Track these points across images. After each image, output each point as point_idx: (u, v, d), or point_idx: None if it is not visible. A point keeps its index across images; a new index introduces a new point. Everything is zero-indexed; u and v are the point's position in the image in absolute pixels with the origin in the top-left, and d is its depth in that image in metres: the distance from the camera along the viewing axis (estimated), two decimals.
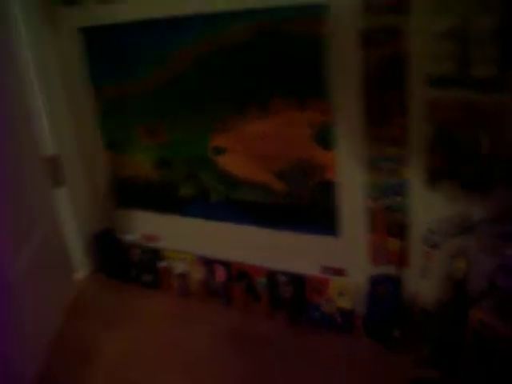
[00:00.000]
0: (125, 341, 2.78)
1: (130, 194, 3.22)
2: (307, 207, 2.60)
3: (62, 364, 2.67)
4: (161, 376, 2.50)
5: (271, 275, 2.79)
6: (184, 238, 3.10)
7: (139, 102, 2.91)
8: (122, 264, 3.33)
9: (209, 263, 2.99)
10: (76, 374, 2.58)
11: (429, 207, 2.28)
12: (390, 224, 2.43)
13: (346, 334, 2.63)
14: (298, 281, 2.73)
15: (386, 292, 2.48)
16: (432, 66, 2.06)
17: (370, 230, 2.49)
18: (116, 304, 3.13)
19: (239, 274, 2.88)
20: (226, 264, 2.94)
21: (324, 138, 2.42)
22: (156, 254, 3.19)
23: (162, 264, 3.12)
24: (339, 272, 2.66)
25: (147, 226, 3.26)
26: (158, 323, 2.89)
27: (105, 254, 3.39)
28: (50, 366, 2.64)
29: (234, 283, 2.90)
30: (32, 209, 2.81)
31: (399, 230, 2.41)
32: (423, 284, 2.31)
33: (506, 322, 1.86)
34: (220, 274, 2.91)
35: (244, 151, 2.66)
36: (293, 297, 2.71)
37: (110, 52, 2.89)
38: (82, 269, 3.43)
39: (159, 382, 2.47)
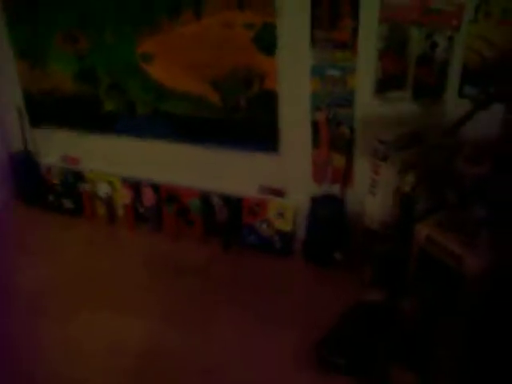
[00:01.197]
0: (42, 274, 2.51)
1: (47, 111, 2.87)
2: (245, 121, 2.37)
3: None
4: (80, 307, 2.27)
5: (205, 197, 2.57)
6: (108, 159, 2.82)
7: (56, 5, 2.55)
8: (40, 189, 3.02)
9: (136, 186, 2.73)
10: None
11: (377, 119, 2.10)
12: (334, 138, 2.25)
13: (285, 257, 2.48)
14: (234, 203, 2.52)
15: (327, 213, 2.32)
16: None
17: (313, 145, 2.29)
18: (34, 233, 2.84)
19: (169, 197, 2.64)
20: (155, 186, 2.69)
21: (265, 42, 2.18)
22: (78, 177, 2.90)
23: (84, 187, 2.83)
24: (279, 192, 2.47)
25: (67, 147, 2.95)
26: (80, 253, 2.65)
27: (20, 179, 3.06)
28: None
29: (164, 207, 2.66)
30: None
31: (345, 144, 2.24)
32: (369, 201, 2.15)
33: (452, 237, 1.73)
34: (148, 198, 2.67)
35: (175, 58, 2.38)
36: (228, 220, 2.50)
37: None
38: None
39: (77, 316, 2.23)
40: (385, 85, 2.05)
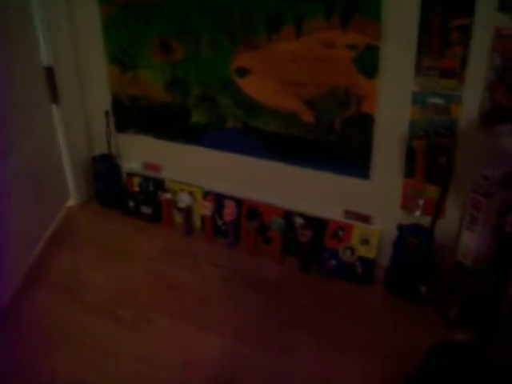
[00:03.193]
0: (115, 275, 2.52)
1: (133, 116, 2.89)
2: (337, 143, 2.31)
3: (40, 296, 2.41)
4: (153, 317, 2.25)
5: (288, 216, 2.52)
6: (192, 170, 2.82)
7: (152, 12, 2.56)
8: (120, 193, 3.05)
9: (218, 199, 2.71)
10: (57, 307, 2.33)
11: (481, 153, 2.01)
12: (430, 168, 2.16)
13: (366, 285, 2.39)
14: (317, 225, 2.46)
15: (415, 243, 2.23)
16: None
17: (406, 173, 2.22)
18: (109, 236, 2.86)
19: (251, 213, 2.61)
20: (238, 200, 2.65)
21: (367, 64, 2.12)
22: (159, 185, 2.90)
23: (165, 196, 2.83)
24: (365, 218, 2.41)
25: (151, 154, 2.96)
26: (155, 260, 2.63)
27: (102, 181, 3.09)
28: (26, 296, 2.39)
29: (244, 222, 2.62)
30: (27, 118, 2.56)
31: (441, 175, 2.14)
32: (465, 236, 2.05)
33: None
34: (230, 212, 2.63)
35: (271, 74, 2.35)
36: (310, 242, 2.44)
37: None
38: (75, 195, 3.14)
39: (150, 323, 2.22)
40: (493, 117, 1.95)
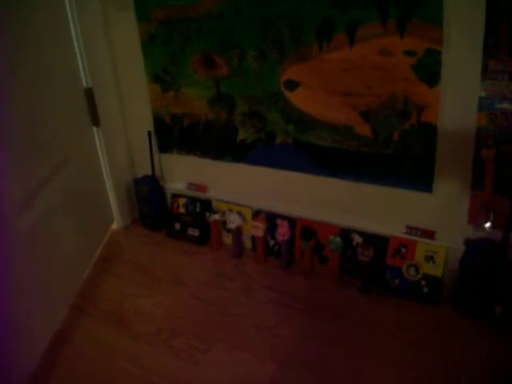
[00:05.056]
0: (166, 304, 2.41)
1: (176, 136, 2.80)
2: (397, 155, 2.17)
3: (90, 327, 2.31)
4: (208, 347, 2.13)
5: (345, 234, 2.39)
6: (240, 189, 2.70)
7: (194, 27, 2.45)
8: (165, 216, 2.95)
9: (270, 218, 2.58)
10: (106, 338, 2.23)
11: None
12: (500, 179, 2.01)
13: (433, 305, 2.23)
14: (378, 242, 2.32)
15: (485, 259, 2.08)
16: None
17: (473, 185, 2.06)
18: (156, 260, 2.76)
19: (306, 232, 2.48)
20: (291, 219, 2.52)
21: (428, 71, 1.98)
22: (206, 206, 2.80)
23: (213, 217, 2.71)
24: (429, 234, 2.26)
25: (196, 174, 2.86)
26: (206, 285, 2.51)
27: (146, 203, 3.00)
28: (73, 330, 2.30)
29: (299, 243, 2.50)
30: (67, 142, 2.50)
31: (510, 186, 1.99)
32: None
33: None
34: (283, 232, 2.51)
35: (323, 86, 2.22)
36: (370, 261, 2.30)
37: None
38: (119, 218, 3.05)
39: (205, 354, 2.10)
40: None
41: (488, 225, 2.10)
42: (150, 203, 3.00)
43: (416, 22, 1.93)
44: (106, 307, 2.43)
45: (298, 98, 2.31)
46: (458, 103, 1.98)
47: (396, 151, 2.17)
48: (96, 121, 2.78)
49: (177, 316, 2.32)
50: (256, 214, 2.63)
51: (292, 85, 2.29)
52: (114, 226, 3.08)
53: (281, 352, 2.07)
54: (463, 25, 1.86)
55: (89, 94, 2.70)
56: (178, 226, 2.89)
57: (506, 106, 1.90)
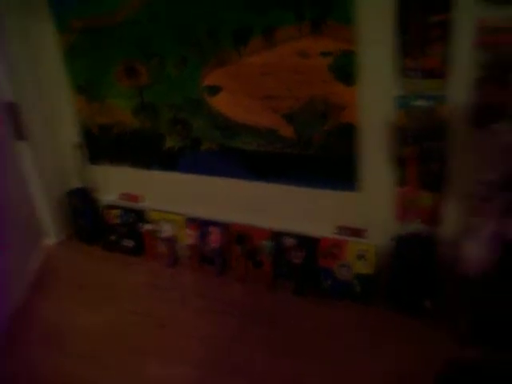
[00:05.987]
0: (102, 319, 2.36)
1: (105, 146, 2.74)
2: (321, 156, 2.18)
3: (25, 348, 2.25)
4: (143, 360, 2.10)
5: (276, 238, 2.37)
6: (171, 197, 2.67)
7: (114, 36, 2.42)
8: (99, 227, 2.89)
9: (201, 225, 2.56)
10: (43, 357, 2.17)
11: (474, 155, 1.87)
12: (423, 175, 2.02)
13: (366, 304, 2.25)
14: (309, 244, 2.31)
15: (415, 254, 2.09)
16: None
17: (398, 182, 2.08)
18: (92, 274, 2.71)
19: (238, 238, 2.46)
20: (222, 226, 2.51)
21: (344, 71, 1.98)
22: (139, 216, 2.75)
23: (146, 227, 2.68)
24: (358, 233, 2.27)
25: (127, 184, 2.81)
26: (142, 297, 2.48)
27: (79, 216, 2.93)
28: (10, 349, 2.23)
29: (232, 248, 2.48)
30: None
31: (434, 181, 2.01)
32: (466, 246, 1.92)
33: None
34: (215, 238, 2.49)
35: (244, 90, 2.21)
36: (302, 263, 2.30)
37: None
38: (53, 233, 2.98)
39: (140, 367, 2.07)
40: (484, 116, 1.81)
41: (412, 222, 2.11)
42: (84, 216, 2.94)
43: (330, 23, 1.94)
44: (42, 329, 2.36)
45: (221, 103, 2.29)
46: (375, 102, 1.99)
47: (318, 152, 2.17)
48: (21, 135, 2.69)
49: (112, 332, 2.28)
50: (188, 222, 2.59)
51: (213, 90, 2.28)
52: (49, 242, 3.00)
53: (215, 361, 2.05)
54: (375, 25, 1.88)
55: (12, 108, 2.62)
56: (113, 237, 2.83)
57: (422, 103, 1.92)
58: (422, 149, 1.99)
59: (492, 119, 1.79)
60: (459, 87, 1.82)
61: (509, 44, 1.70)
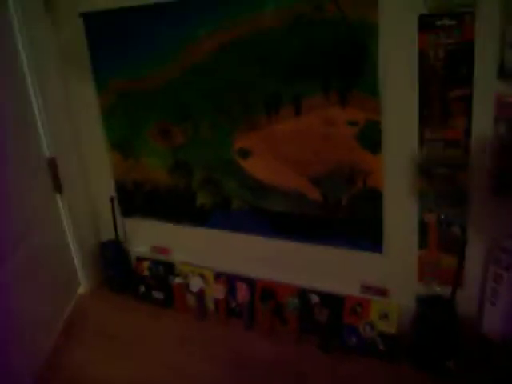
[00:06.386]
0: (131, 370, 2.44)
1: (139, 200, 2.87)
2: (347, 219, 2.26)
3: None
4: None
5: (303, 295, 2.46)
6: (201, 252, 2.78)
7: (150, 99, 2.57)
8: (130, 279, 3.00)
9: (230, 280, 2.66)
10: None
11: (495, 222, 1.95)
12: (444, 239, 2.10)
13: (389, 362, 2.29)
14: (334, 302, 2.39)
15: (437, 315, 2.15)
16: (505, 56, 1.75)
17: (420, 245, 2.16)
18: (122, 324, 2.79)
19: (265, 294, 2.54)
20: (250, 281, 2.60)
21: (370, 139, 2.09)
22: (169, 269, 2.86)
23: (176, 280, 2.78)
24: (382, 292, 2.34)
25: (159, 238, 2.93)
26: (171, 349, 2.55)
27: (111, 267, 3.05)
28: None
29: (259, 304, 2.56)
30: (31, 212, 2.54)
31: (455, 245, 2.08)
32: (488, 310, 1.99)
33: None
34: (243, 293, 2.58)
35: (273, 154, 2.32)
36: (327, 320, 2.37)
37: (118, 42, 2.55)
38: (85, 282, 3.10)
39: None
40: (502, 185, 1.90)
41: (435, 282, 2.18)
42: (116, 267, 3.05)
43: (356, 94, 2.05)
44: (71, 376, 2.44)
45: (251, 166, 2.41)
46: (399, 169, 2.09)
47: (345, 215, 2.26)
48: (59, 188, 2.83)
49: (141, 381, 2.35)
50: (217, 276, 2.69)
51: (244, 153, 2.39)
52: (81, 290, 3.10)
53: None
54: (399, 96, 1.99)
55: (51, 162, 2.76)
56: (142, 288, 2.93)
57: (443, 171, 2.01)
58: (442, 214, 2.07)
59: (510, 188, 1.88)
60: (479, 157, 1.91)
61: None
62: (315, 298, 2.44)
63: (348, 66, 2.03)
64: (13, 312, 2.26)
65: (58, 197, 2.88)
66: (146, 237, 2.97)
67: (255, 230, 2.52)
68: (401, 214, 2.15)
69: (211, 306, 2.76)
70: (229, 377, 2.33)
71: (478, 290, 2.09)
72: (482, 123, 1.88)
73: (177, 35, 2.36)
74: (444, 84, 1.89)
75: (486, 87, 1.83)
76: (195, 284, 2.71)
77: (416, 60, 1.90)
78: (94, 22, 2.60)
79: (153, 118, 2.61)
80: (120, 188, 2.92)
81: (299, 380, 2.26)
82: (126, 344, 2.63)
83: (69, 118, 2.88)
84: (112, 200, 2.94)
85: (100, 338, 2.70)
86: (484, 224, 2.00)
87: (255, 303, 2.60)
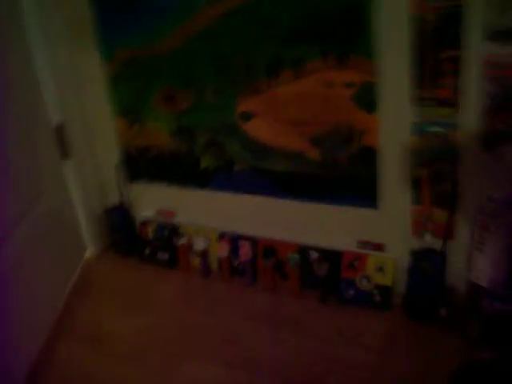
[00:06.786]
0: (141, 324, 2.58)
1: (144, 166, 2.99)
2: (344, 177, 2.39)
3: (68, 349, 2.48)
4: (185, 363, 2.31)
5: (303, 251, 2.59)
6: (205, 213, 2.90)
7: (156, 65, 2.67)
8: (136, 241, 3.13)
9: (233, 240, 2.78)
10: (85, 360, 2.41)
11: (485, 174, 2.08)
12: (437, 194, 2.23)
13: (385, 312, 2.44)
14: (333, 257, 2.53)
15: (430, 267, 2.29)
16: (493, 18, 1.86)
17: (414, 200, 2.29)
18: (129, 284, 2.93)
19: (267, 251, 2.68)
20: (252, 240, 2.73)
21: (366, 100, 2.21)
22: (174, 231, 2.98)
23: (181, 241, 2.90)
24: (378, 247, 2.47)
25: (163, 201, 3.05)
26: (177, 306, 2.69)
27: (117, 231, 3.18)
28: (54, 350, 2.47)
29: (261, 261, 2.69)
30: (38, 178, 2.64)
31: (447, 200, 2.21)
32: (476, 258, 2.12)
33: None
34: (245, 252, 2.71)
35: (275, 116, 2.44)
36: (327, 274, 2.51)
37: (122, 9, 2.64)
38: (92, 246, 3.22)
39: (179, 368, 2.28)
40: (493, 140, 2.02)
41: (428, 237, 2.31)
42: (121, 231, 3.16)
43: (354, 57, 2.17)
44: (84, 332, 2.59)
45: (253, 128, 2.52)
46: (394, 128, 2.21)
47: (343, 173, 2.39)
48: (66, 154, 2.94)
49: (149, 336, 2.49)
50: (221, 236, 2.82)
51: (247, 116, 2.50)
52: (88, 254, 3.23)
53: (248, 362, 2.25)
54: (394, 59, 2.10)
55: (59, 129, 2.87)
56: (148, 251, 3.05)
57: (436, 129, 2.13)
58: (434, 170, 2.20)
59: (500, 143, 2.01)
60: (470, 115, 2.03)
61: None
62: (314, 254, 2.57)
63: (345, 30, 2.14)
64: (23, 277, 2.36)
65: (64, 163, 2.97)
66: (152, 201, 3.09)
67: (257, 190, 2.65)
68: (395, 171, 2.27)
69: (215, 265, 2.89)
70: (232, 326, 2.48)
71: (468, 240, 2.21)
72: (472, 83, 1.99)
73: (181, 4, 2.45)
74: (435, 46, 2.00)
75: (475, 48, 1.93)
76: (199, 244, 2.84)
77: (408, 23, 2.00)
78: None
79: (158, 85, 2.71)
80: (126, 154, 3.02)
81: (299, 329, 2.40)
82: (133, 300, 2.77)
83: (76, 87, 2.96)
84: (117, 166, 3.05)
85: (109, 297, 2.84)
86: (474, 179, 2.12)
87: (257, 261, 2.72)
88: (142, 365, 2.31)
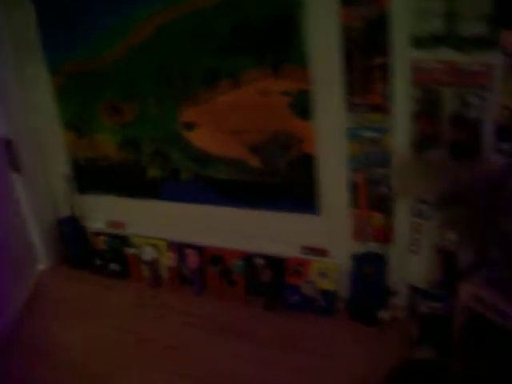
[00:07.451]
0: (90, 335, 2.58)
1: (92, 178, 3.00)
2: (285, 184, 2.43)
3: (18, 362, 2.47)
4: (129, 371, 2.32)
5: (248, 258, 2.62)
6: (154, 223, 2.91)
7: (100, 78, 2.70)
8: (87, 253, 3.13)
9: (180, 248, 2.80)
10: (34, 371, 2.39)
11: (418, 177, 2.12)
12: (373, 198, 2.28)
13: (329, 316, 2.47)
14: (277, 264, 2.55)
15: (371, 271, 2.34)
16: (417, 26, 1.91)
17: (352, 205, 2.33)
18: (81, 296, 2.93)
19: (213, 259, 2.70)
20: (199, 248, 2.75)
21: (302, 108, 2.25)
22: (123, 241, 2.99)
23: (130, 251, 2.91)
24: (321, 252, 2.50)
25: (113, 212, 3.06)
26: (127, 315, 2.70)
27: (68, 243, 3.17)
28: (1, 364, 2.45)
29: (208, 268, 2.71)
30: None
31: (383, 203, 2.26)
32: (412, 260, 2.16)
33: (497, 295, 1.72)
34: (192, 260, 2.72)
35: (216, 125, 2.47)
36: (271, 280, 2.53)
37: (67, 23, 2.66)
38: (45, 259, 3.21)
39: (127, 377, 2.29)
40: (421, 145, 2.07)
41: (367, 241, 2.35)
42: (73, 242, 3.16)
43: (287, 66, 2.21)
44: (31, 343, 2.58)
45: (196, 138, 2.56)
46: (330, 134, 2.25)
47: (283, 180, 2.42)
48: (16, 167, 2.94)
49: (97, 347, 2.49)
50: (169, 245, 2.83)
51: (189, 126, 2.53)
52: (41, 267, 3.21)
53: (193, 370, 2.26)
54: (326, 67, 2.15)
55: (8, 144, 2.87)
56: (99, 262, 3.06)
57: (369, 134, 2.18)
58: (370, 175, 2.24)
59: (427, 146, 2.06)
60: (400, 120, 2.08)
61: (437, 82, 1.96)
62: (260, 261, 2.59)
63: (277, 40, 2.18)
64: None
65: (15, 176, 2.96)
66: (102, 212, 3.09)
67: (203, 199, 2.67)
68: (333, 176, 2.31)
69: (166, 275, 2.90)
70: (177, 334, 2.50)
71: (406, 243, 2.25)
72: (401, 88, 2.04)
73: (122, 18, 2.49)
74: (364, 53, 2.05)
75: (402, 55, 1.99)
76: (148, 254, 2.85)
77: (338, 31, 2.05)
78: (44, 8, 2.71)
79: (103, 97, 2.73)
80: (75, 165, 3.03)
81: (246, 338, 2.42)
82: (84, 311, 2.78)
83: (24, 101, 2.96)
84: (67, 178, 3.05)
85: (59, 308, 2.83)
86: (409, 180, 2.16)
87: (205, 269, 2.74)
88: (87, 374, 2.31)
